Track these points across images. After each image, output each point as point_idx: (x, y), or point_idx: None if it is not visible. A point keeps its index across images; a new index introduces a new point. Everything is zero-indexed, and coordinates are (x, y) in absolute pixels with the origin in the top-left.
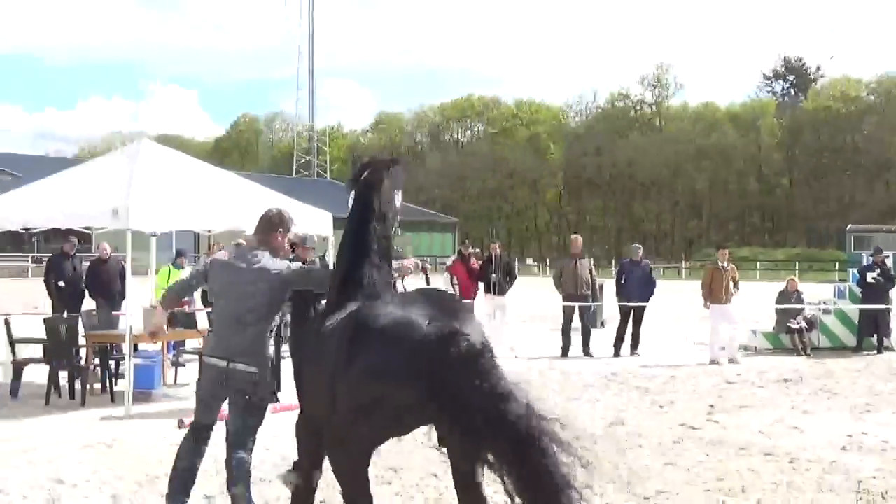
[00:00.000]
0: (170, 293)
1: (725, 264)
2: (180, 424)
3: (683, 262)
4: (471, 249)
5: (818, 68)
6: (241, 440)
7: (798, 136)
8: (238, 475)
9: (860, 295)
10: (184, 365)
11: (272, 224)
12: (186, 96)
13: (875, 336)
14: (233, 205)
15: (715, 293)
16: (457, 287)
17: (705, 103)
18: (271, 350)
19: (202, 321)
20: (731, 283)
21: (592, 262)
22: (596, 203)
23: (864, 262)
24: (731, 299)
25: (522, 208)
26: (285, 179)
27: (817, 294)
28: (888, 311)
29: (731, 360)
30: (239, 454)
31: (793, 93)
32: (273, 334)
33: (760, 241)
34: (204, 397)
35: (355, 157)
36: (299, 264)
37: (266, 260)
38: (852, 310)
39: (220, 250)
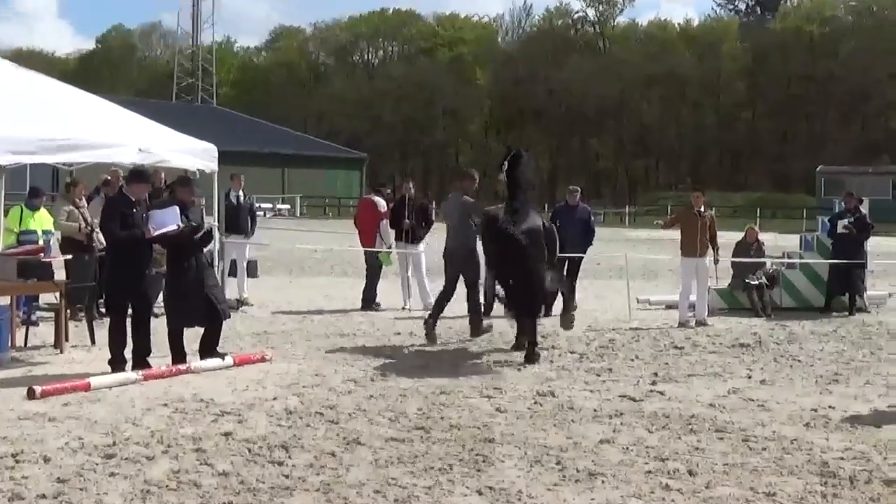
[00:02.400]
0: None
1: (702, 209)
2: (31, 395)
3: (628, 206)
4: (388, 190)
5: None
6: (471, 283)
7: (763, 62)
8: (471, 304)
9: (830, 247)
10: (36, 324)
11: (464, 173)
12: (45, 4)
13: (846, 295)
14: (99, 135)
15: (687, 244)
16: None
17: (657, 23)
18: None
19: (59, 272)
20: (709, 236)
21: None
22: (528, 138)
23: (836, 209)
24: (708, 253)
25: (442, 143)
26: (163, 105)
27: (781, 245)
28: (862, 265)
29: (699, 322)
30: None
31: (758, 12)
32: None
33: (717, 182)
34: (445, 267)
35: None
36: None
37: (455, 197)
38: (821, 264)
39: (84, 189)
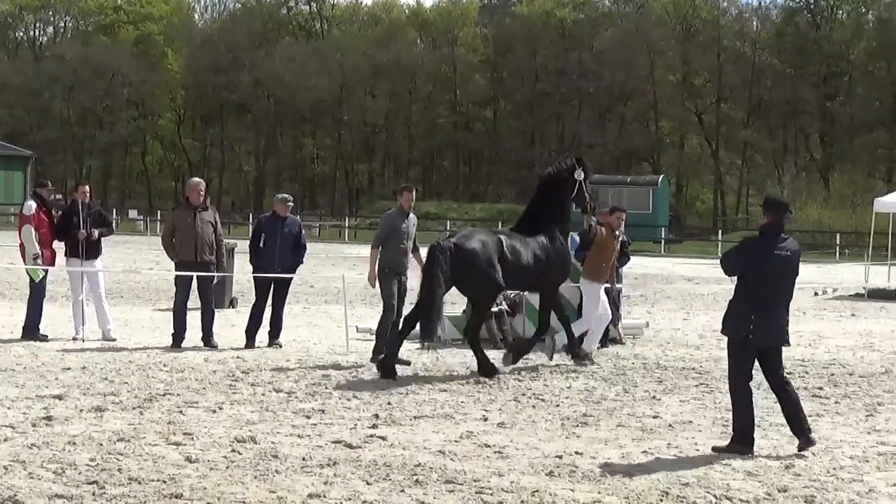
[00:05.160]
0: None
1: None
2: None
3: (348, 218)
4: (55, 196)
5: None
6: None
7: (507, 52)
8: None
9: (580, 269)
10: None
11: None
12: None
13: None
14: None
15: (605, 267)
16: (38, 245)
17: (383, 3)
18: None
19: None
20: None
21: (218, 214)
22: (230, 135)
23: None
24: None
25: (126, 139)
26: None
27: None
28: (617, 291)
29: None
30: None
31: None
32: None
33: (453, 192)
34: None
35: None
36: None
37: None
38: (570, 289)
39: None
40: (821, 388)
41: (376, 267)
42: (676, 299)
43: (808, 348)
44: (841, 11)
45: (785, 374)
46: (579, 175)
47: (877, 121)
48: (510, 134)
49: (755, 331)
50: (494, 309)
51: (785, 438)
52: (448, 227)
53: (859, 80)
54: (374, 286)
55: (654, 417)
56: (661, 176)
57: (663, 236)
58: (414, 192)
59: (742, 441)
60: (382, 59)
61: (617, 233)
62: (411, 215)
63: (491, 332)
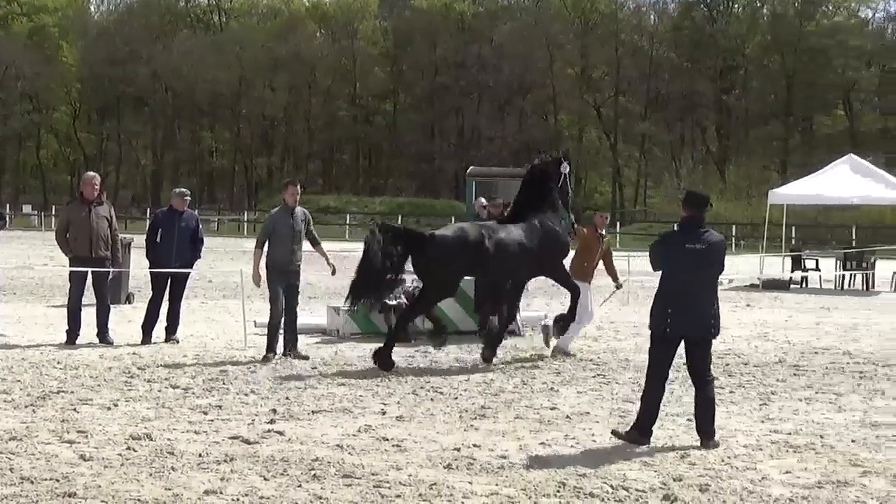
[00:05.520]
0: None
1: (603, 231)
2: None
3: (248, 212)
4: None
5: None
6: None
7: (407, 46)
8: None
9: None
10: None
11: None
12: None
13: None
14: None
15: (589, 268)
16: None
17: None
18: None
19: None
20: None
21: (113, 209)
22: (126, 129)
23: (484, 216)
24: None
25: (20, 133)
26: None
27: None
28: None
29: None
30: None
31: None
32: None
33: (353, 185)
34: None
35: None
36: None
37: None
38: (469, 281)
39: None
40: (716, 378)
41: (261, 266)
42: None
43: None
44: (736, 6)
45: (710, 375)
46: (565, 168)
47: (771, 114)
48: (410, 127)
49: (672, 323)
50: (393, 302)
51: (681, 428)
52: (348, 221)
53: (754, 73)
54: (258, 286)
55: (552, 409)
56: None
57: None
58: (298, 187)
59: (641, 431)
60: (282, 52)
61: (602, 231)
62: (298, 210)
63: (390, 325)
